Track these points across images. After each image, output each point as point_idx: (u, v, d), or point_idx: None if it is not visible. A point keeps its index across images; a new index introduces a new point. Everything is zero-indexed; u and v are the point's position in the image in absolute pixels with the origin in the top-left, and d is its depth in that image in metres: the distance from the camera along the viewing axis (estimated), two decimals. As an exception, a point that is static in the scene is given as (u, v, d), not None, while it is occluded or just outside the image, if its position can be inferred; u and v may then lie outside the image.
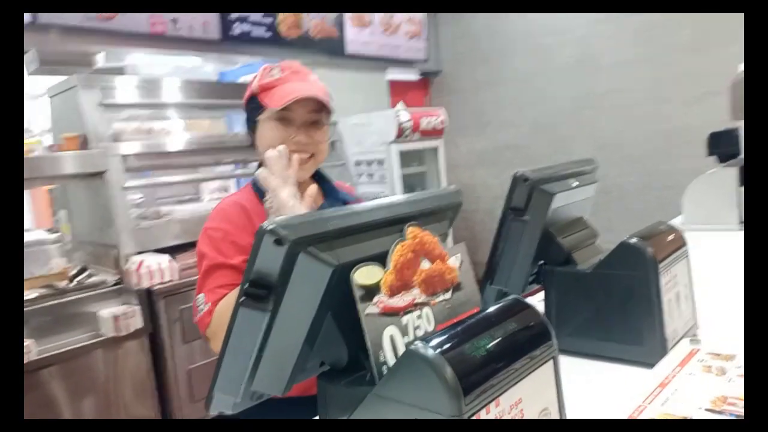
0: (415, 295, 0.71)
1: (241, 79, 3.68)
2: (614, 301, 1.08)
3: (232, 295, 1.11)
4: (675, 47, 3.67)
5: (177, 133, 3.07)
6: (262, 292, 0.63)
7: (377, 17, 4.17)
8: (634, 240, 1.07)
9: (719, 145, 2.46)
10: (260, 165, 1.27)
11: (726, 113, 2.53)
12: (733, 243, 2.03)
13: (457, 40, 4.74)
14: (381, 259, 0.70)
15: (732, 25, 3.41)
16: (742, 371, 0.95)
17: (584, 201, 1.31)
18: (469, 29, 4.66)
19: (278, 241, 0.62)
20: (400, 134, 3.80)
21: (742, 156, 2.32)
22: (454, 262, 0.78)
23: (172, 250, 2.71)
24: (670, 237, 1.15)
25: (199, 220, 2.73)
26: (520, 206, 1.12)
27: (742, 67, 2.41)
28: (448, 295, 0.75)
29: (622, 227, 1.30)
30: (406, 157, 3.96)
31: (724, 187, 2.35)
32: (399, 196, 0.81)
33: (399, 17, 4.35)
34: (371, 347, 0.64)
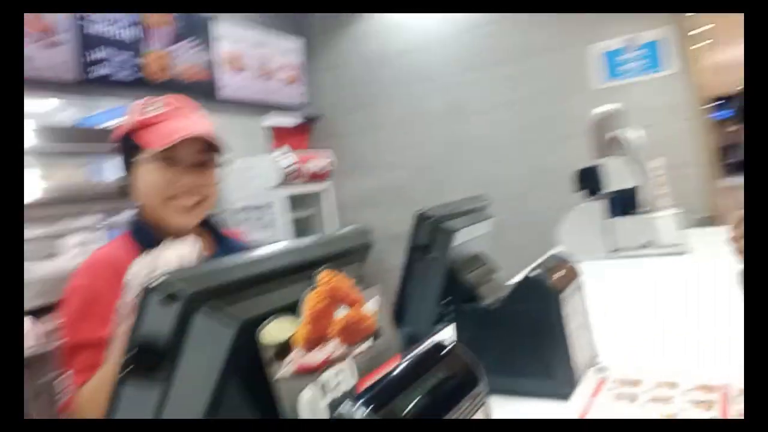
0: (334, 347, 0.63)
1: (105, 125, 3.39)
2: (523, 336, 1.07)
3: (97, 378, 0.95)
4: (537, 94, 3.99)
5: (32, 183, 2.73)
6: (150, 360, 0.52)
7: (253, 62, 4.11)
8: (536, 273, 1.08)
9: (586, 181, 2.66)
10: (138, 213, 1.13)
11: (585, 153, 2.77)
12: (612, 271, 2.19)
13: (336, 86, 4.80)
14: (292, 311, 0.61)
15: (580, 77, 3.81)
16: (651, 395, 0.97)
17: (482, 237, 1.31)
18: (347, 76, 4.75)
19: (169, 298, 0.51)
20: (286, 178, 3.70)
21: (606, 190, 2.52)
22: (372, 306, 0.71)
23: (34, 313, 2.35)
24: (566, 269, 1.18)
25: (63, 277, 2.39)
26: (425, 244, 1.09)
27: (595, 111, 2.66)
28: (369, 343, 0.68)
29: (504, 262, 1.35)
30: (294, 201, 3.85)
31: (593, 219, 2.54)
32: (307, 239, 0.73)
33: (275, 63, 4.32)
34: (288, 415, 0.55)
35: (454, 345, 0.68)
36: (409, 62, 4.46)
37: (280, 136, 4.52)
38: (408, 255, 1.09)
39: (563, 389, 1.03)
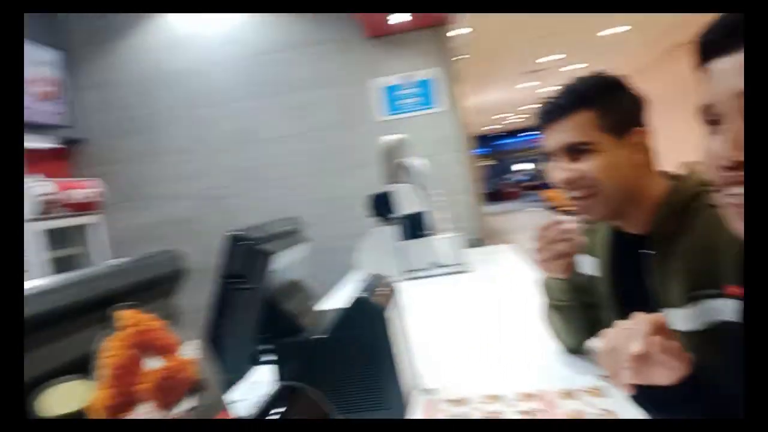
0: (147, 411, 0.46)
1: None
2: (353, 365, 0.98)
3: None
4: (327, 124, 4.05)
5: None
6: None
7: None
8: (365, 295, 1.01)
9: (378, 206, 2.74)
10: None
11: (375, 180, 2.88)
12: (408, 291, 2.25)
13: (104, 107, 4.25)
14: (82, 368, 0.43)
15: (364, 109, 3.99)
16: (481, 412, 0.96)
17: (300, 262, 1.20)
18: (117, 96, 4.24)
19: None
20: (41, 209, 3.09)
21: (397, 214, 2.62)
22: (191, 353, 0.55)
23: None
24: (386, 289, 1.13)
25: None
26: (238, 272, 0.94)
27: (382, 140, 2.78)
28: (192, 401, 0.52)
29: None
30: (53, 237, 3.23)
31: (387, 242, 2.61)
32: (98, 267, 0.54)
33: (28, 75, 3.64)
34: None
35: (302, 388, 0.56)
36: (192, 84, 4.16)
37: (35, 161, 3.81)
38: (219, 285, 0.93)
39: (399, 417, 0.97)
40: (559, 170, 1.00)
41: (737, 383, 0.86)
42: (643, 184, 0.97)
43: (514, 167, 23.81)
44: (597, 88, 0.97)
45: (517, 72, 8.24)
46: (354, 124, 4.02)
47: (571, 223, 0.98)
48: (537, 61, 7.46)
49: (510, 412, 0.94)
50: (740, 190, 0.52)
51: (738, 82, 0.51)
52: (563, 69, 7.83)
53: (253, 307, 0.95)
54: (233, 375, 0.93)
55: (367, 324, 0.97)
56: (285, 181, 4.10)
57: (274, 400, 0.53)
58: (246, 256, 0.94)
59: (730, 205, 0.54)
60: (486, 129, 19.45)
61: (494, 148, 23.52)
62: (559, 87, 1.01)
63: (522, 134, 22.41)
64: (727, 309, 0.86)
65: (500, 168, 24.00)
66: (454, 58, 4.03)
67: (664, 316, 0.74)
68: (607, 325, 1.12)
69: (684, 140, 1.00)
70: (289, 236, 1.14)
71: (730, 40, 0.52)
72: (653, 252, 0.95)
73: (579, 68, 7.99)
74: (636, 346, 0.69)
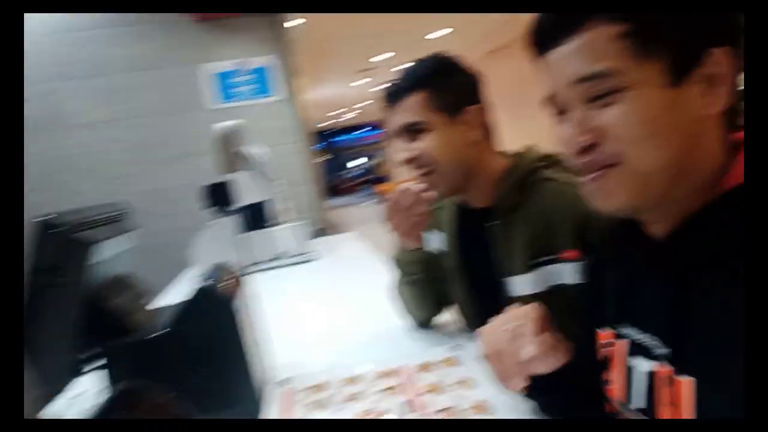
0: None
1: None
2: (200, 362, 0.87)
3: None
4: (149, 110, 3.69)
5: None
6: None
7: None
8: (209, 284, 0.90)
9: (215, 197, 2.57)
10: None
11: (208, 170, 2.70)
12: (257, 284, 2.13)
13: None
14: None
15: (194, 96, 3.72)
16: (342, 395, 0.92)
17: (125, 253, 1.05)
18: None
19: None
20: None
21: (236, 205, 2.48)
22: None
23: None
24: (231, 279, 1.03)
25: None
26: (50, 264, 0.78)
27: (218, 126, 2.61)
28: None
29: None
30: None
31: (225, 235, 2.46)
32: None
33: None
34: None
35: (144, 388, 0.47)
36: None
37: None
38: (28, 283, 0.76)
39: (251, 414, 0.89)
40: (399, 151, 1.01)
41: (573, 339, 0.94)
42: (482, 161, 1.01)
43: (350, 163, 24.35)
44: (429, 69, 1.00)
45: (351, 69, 8.39)
46: (183, 110, 3.71)
47: (421, 189, 1.00)
48: (370, 59, 7.67)
49: (372, 391, 0.92)
50: (595, 172, 0.54)
51: (573, 70, 0.53)
52: (395, 69, 8.16)
53: (70, 305, 0.80)
54: (53, 386, 0.77)
55: (213, 316, 0.87)
56: (102, 172, 3.66)
57: (111, 406, 0.43)
58: (59, 246, 0.79)
59: (590, 185, 0.56)
60: (322, 125, 19.60)
61: (330, 144, 23.81)
62: (398, 74, 1.02)
63: (357, 131, 23.00)
64: (563, 272, 0.94)
65: (336, 164, 24.38)
66: (290, 49, 3.94)
67: (539, 307, 0.72)
68: (454, 299, 1.17)
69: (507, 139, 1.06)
70: (111, 224, 0.98)
71: (560, 32, 0.54)
72: (496, 224, 1.00)
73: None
74: (529, 351, 0.67)
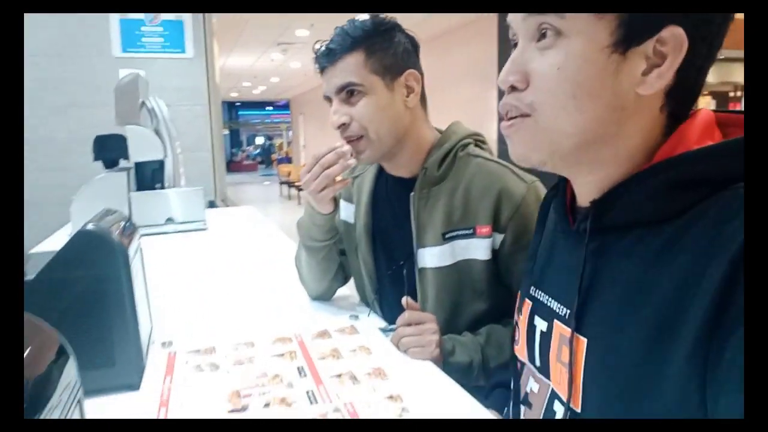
0: None
1: None
2: (73, 315, 0.79)
3: None
4: (39, 50, 3.32)
5: None
6: None
7: None
8: (93, 227, 0.82)
9: (106, 150, 2.37)
10: None
11: (101, 121, 2.48)
12: (146, 248, 1.99)
13: None
14: None
15: (94, 41, 3.40)
16: (232, 359, 0.88)
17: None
18: None
19: None
20: None
21: (130, 161, 2.30)
22: None
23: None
24: (124, 224, 0.95)
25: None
26: None
27: (122, 74, 2.41)
28: None
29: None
30: None
31: (115, 191, 2.27)
32: None
33: None
34: None
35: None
36: None
37: None
38: None
39: (130, 377, 0.82)
40: (333, 113, 0.98)
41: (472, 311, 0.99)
42: (414, 129, 1.01)
43: (255, 140, 23.62)
44: (369, 29, 0.98)
45: (269, 40, 8.12)
46: (82, 55, 3.37)
47: (346, 152, 0.97)
48: (295, 33, 7.45)
49: (264, 357, 0.88)
50: (510, 119, 0.54)
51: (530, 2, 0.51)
52: (317, 42, 7.99)
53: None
54: None
55: (97, 262, 0.79)
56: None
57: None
58: None
59: (504, 129, 0.55)
60: (231, 96, 18.82)
61: (235, 117, 22.94)
62: (335, 32, 0.99)
63: (265, 107, 22.35)
64: (474, 247, 0.97)
65: (238, 138, 23.53)
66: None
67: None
68: (354, 273, 1.17)
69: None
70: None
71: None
72: (417, 194, 1.00)
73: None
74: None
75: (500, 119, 0.57)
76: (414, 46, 1.02)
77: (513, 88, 0.53)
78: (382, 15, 1.00)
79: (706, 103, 6.59)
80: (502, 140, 0.57)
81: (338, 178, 0.98)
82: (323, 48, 0.99)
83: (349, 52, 0.96)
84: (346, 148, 0.97)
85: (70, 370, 0.43)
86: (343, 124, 0.98)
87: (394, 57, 0.98)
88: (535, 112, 0.51)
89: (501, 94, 0.56)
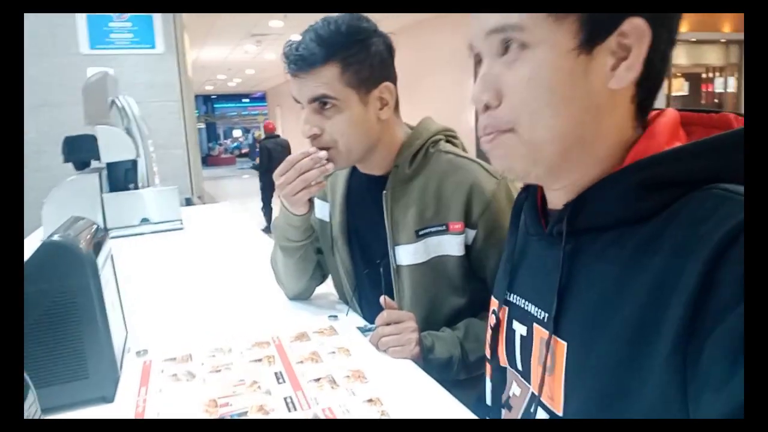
0: None
1: None
2: (41, 329, 0.77)
3: None
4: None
5: None
6: None
7: None
8: (58, 237, 0.80)
9: (77, 151, 2.32)
10: None
11: (70, 121, 2.42)
12: (120, 250, 1.95)
13: None
14: None
15: (59, 38, 3.32)
16: (209, 367, 0.87)
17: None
18: None
19: None
20: None
21: (101, 162, 2.25)
22: None
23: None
24: (93, 231, 0.93)
25: None
26: None
27: (91, 71, 2.35)
28: None
29: None
30: None
31: (86, 193, 2.23)
32: None
33: None
34: None
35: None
36: None
37: None
38: None
39: (104, 389, 0.80)
40: (305, 122, 0.96)
41: (444, 306, 1.00)
42: (385, 135, 1.00)
43: (232, 133, 23.34)
44: (346, 40, 0.93)
45: (243, 32, 8.00)
46: (48, 53, 3.28)
47: (322, 157, 0.96)
48: (269, 24, 7.35)
49: (242, 363, 0.87)
50: (490, 135, 0.54)
51: (485, 19, 0.51)
52: (293, 37, 7.88)
53: None
54: None
55: (63, 274, 0.77)
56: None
57: None
58: None
59: (485, 146, 0.55)
60: (206, 89, 18.54)
61: (211, 110, 22.63)
62: (308, 35, 0.94)
63: (242, 99, 22.08)
64: (448, 243, 0.97)
65: (215, 132, 23.23)
66: None
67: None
68: (331, 271, 1.16)
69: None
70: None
71: None
72: (389, 192, 0.99)
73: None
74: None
75: (479, 146, 0.57)
76: (390, 52, 0.99)
77: (487, 107, 0.53)
78: (359, 15, 0.96)
79: (679, 85, 6.70)
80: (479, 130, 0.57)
81: (314, 181, 0.97)
82: (295, 53, 0.93)
83: (324, 64, 0.92)
84: (322, 153, 0.95)
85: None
86: (314, 136, 0.96)
87: (370, 69, 0.95)
88: (516, 124, 0.51)
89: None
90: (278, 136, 7.63)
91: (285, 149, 7.08)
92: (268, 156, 6.96)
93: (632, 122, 0.52)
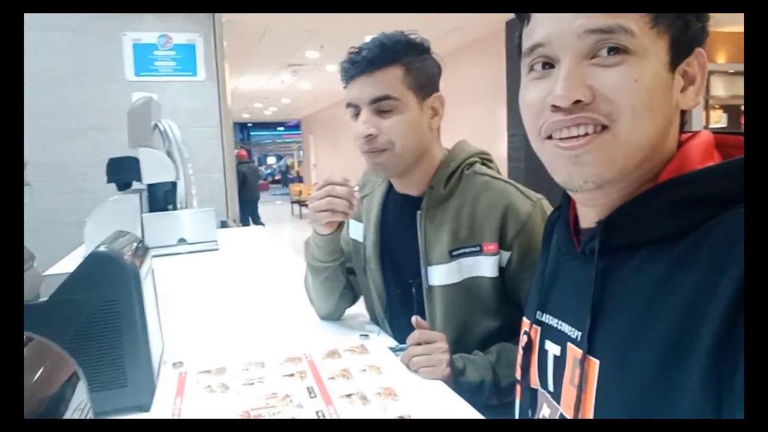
0: None
1: None
2: (86, 336, 0.80)
3: None
4: (54, 76, 3.38)
5: None
6: None
7: None
8: (105, 249, 0.83)
9: (119, 173, 2.41)
10: None
11: (114, 145, 2.52)
12: (158, 269, 2.01)
13: None
14: None
15: (108, 65, 3.47)
16: (243, 379, 0.88)
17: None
18: None
19: None
20: None
21: (142, 183, 2.34)
22: None
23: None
24: (137, 245, 0.96)
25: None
26: None
27: (136, 96, 2.46)
28: None
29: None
30: None
31: (127, 213, 2.30)
32: None
33: None
34: None
35: (33, 338, 0.42)
36: None
37: None
38: None
39: (140, 398, 0.82)
40: (362, 124, 0.98)
41: (480, 327, 0.99)
42: (430, 149, 1.02)
43: (266, 160, 23.82)
44: (407, 46, 0.98)
45: (280, 62, 8.22)
46: (96, 80, 3.43)
47: (349, 183, 0.99)
48: (306, 55, 7.54)
49: (274, 377, 0.88)
50: (583, 136, 0.51)
51: (583, 20, 0.50)
52: (328, 67, 8.09)
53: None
54: None
55: (109, 283, 0.80)
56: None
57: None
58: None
59: (569, 149, 0.52)
60: (243, 117, 19.05)
61: (247, 138, 23.19)
62: (372, 42, 0.98)
63: (276, 127, 22.57)
64: (482, 264, 0.97)
65: (250, 158, 23.73)
66: (218, 31, 3.79)
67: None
68: (363, 291, 1.17)
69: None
70: None
71: None
72: (424, 212, 1.01)
73: (337, 69, 8.33)
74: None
75: (547, 138, 0.54)
76: (439, 70, 1.03)
77: (575, 104, 0.50)
78: (413, 35, 1.00)
79: (718, 117, 6.57)
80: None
81: (340, 208, 0.99)
82: (361, 55, 0.97)
83: (389, 65, 0.96)
84: (356, 192, 0.98)
85: (81, 392, 0.43)
86: (371, 135, 0.98)
87: (427, 78, 1.00)
88: (614, 123, 0.50)
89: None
90: (252, 161, 10.11)
91: (256, 172, 9.39)
92: (243, 178, 8.14)
93: (675, 142, 0.54)
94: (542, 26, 0.52)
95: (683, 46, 0.51)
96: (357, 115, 1.00)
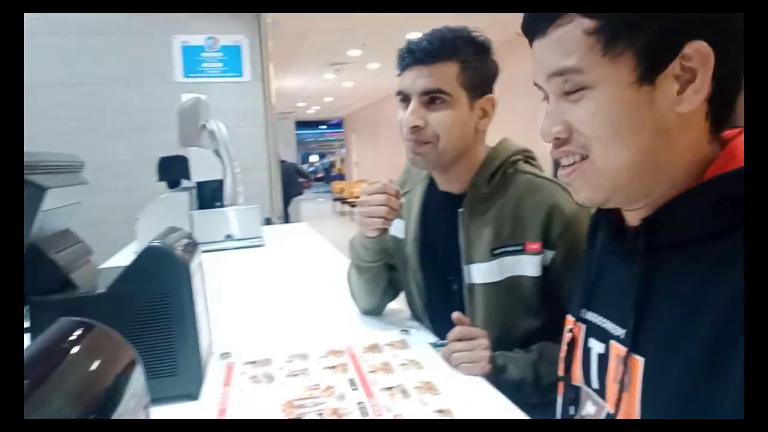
0: None
1: None
2: (141, 327, 0.84)
3: None
4: (105, 77, 3.52)
5: None
6: None
7: None
8: (159, 243, 0.87)
9: (169, 171, 2.50)
10: None
11: (164, 144, 2.61)
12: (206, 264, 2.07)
13: None
14: None
15: (158, 67, 3.59)
16: (287, 370, 0.91)
17: (71, 207, 1.00)
18: None
19: None
20: None
21: (191, 181, 2.41)
22: None
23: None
24: (187, 240, 1.00)
25: None
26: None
27: (184, 97, 2.54)
28: None
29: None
30: None
31: (177, 210, 2.39)
32: None
33: None
34: None
35: (95, 326, 0.45)
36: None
37: None
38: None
39: (189, 387, 0.85)
40: (410, 114, 0.98)
41: (505, 328, 0.98)
42: (473, 147, 1.02)
43: (309, 158, 24.12)
44: (468, 43, 0.98)
45: (322, 61, 8.33)
46: (144, 81, 3.57)
47: (396, 187, 1.01)
48: (348, 53, 7.61)
49: (317, 369, 0.91)
50: (568, 167, 0.56)
51: (547, 63, 0.54)
52: (369, 65, 8.13)
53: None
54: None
55: (162, 277, 0.84)
56: (49, 138, 3.47)
57: (62, 334, 0.41)
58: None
59: (565, 178, 0.57)
60: (285, 114, 19.36)
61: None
62: (433, 34, 0.98)
63: (319, 126, 22.83)
64: (524, 264, 0.97)
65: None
66: (263, 31, 3.86)
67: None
68: (404, 287, 1.18)
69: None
70: (66, 173, 0.94)
71: (540, 22, 0.55)
72: (466, 210, 1.01)
73: (378, 67, 8.41)
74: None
75: (556, 168, 0.60)
76: (497, 72, 1.03)
77: (557, 140, 0.56)
78: (477, 33, 1.00)
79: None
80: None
81: (392, 217, 1.02)
82: (419, 45, 0.97)
83: (447, 59, 0.96)
84: (396, 188, 1.02)
85: (138, 378, 0.46)
86: (417, 127, 0.98)
87: (482, 78, 0.99)
88: (590, 152, 0.54)
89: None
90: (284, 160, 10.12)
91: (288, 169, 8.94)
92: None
93: (708, 138, 0.53)
94: (534, 67, 0.58)
95: (658, 52, 0.50)
96: (405, 103, 1.00)
